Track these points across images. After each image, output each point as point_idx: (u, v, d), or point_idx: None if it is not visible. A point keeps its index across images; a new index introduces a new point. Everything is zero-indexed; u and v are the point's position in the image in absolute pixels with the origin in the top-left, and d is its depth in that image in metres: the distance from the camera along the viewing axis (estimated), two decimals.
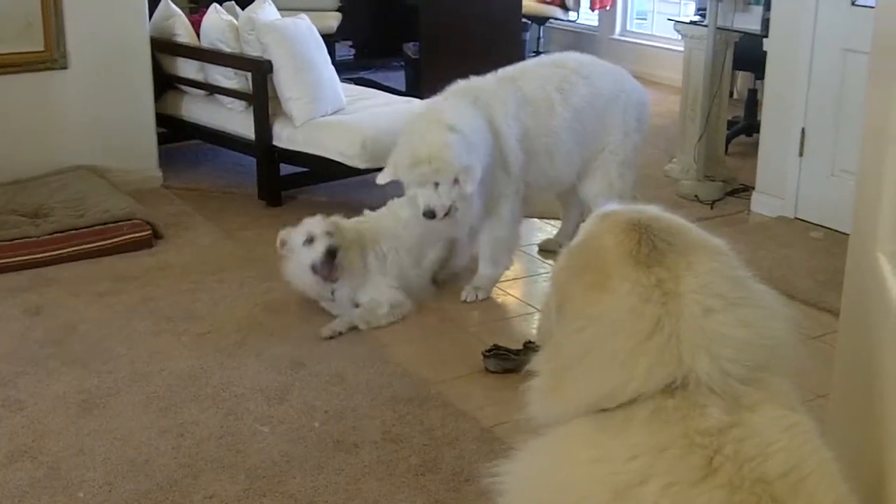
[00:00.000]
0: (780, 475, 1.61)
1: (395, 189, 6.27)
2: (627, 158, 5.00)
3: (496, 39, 8.37)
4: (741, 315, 1.77)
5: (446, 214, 4.44)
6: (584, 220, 2.63)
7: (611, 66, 5.10)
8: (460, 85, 4.72)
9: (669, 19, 7.56)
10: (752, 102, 7.47)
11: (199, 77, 6.39)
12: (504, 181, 4.65)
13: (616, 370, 1.73)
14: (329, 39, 7.73)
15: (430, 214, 4.41)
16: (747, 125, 7.43)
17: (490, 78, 4.81)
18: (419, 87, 8.05)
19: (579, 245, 1.94)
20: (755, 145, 6.35)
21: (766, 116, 6.00)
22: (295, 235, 4.38)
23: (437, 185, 4.37)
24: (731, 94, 7.49)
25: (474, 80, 4.77)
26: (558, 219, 5.56)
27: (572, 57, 5.02)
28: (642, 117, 5.08)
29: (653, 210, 1.93)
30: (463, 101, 4.61)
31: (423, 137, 4.42)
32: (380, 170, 6.01)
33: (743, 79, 8.61)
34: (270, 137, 5.91)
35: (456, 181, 4.36)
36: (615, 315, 1.76)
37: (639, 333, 1.73)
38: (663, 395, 1.71)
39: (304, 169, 6.05)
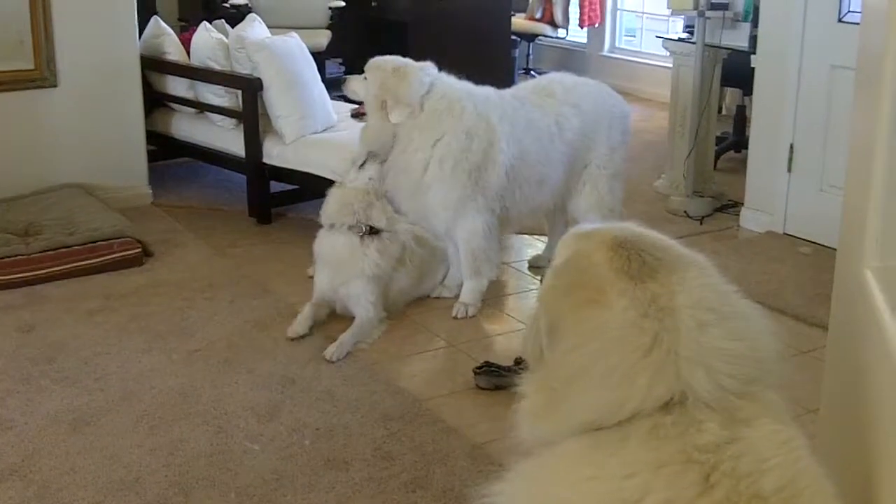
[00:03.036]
0: (776, 491, 1.61)
1: None
2: (616, 172, 5.07)
3: (486, 56, 8.41)
4: (733, 328, 1.78)
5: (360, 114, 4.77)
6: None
7: (593, 85, 5.15)
8: (486, 88, 4.88)
9: (658, 36, 7.61)
10: (741, 118, 7.51)
11: (189, 95, 6.39)
12: (469, 191, 4.67)
13: (615, 387, 1.73)
14: (319, 57, 7.73)
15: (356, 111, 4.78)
16: (736, 141, 7.46)
17: (508, 94, 4.93)
18: None
19: (566, 264, 1.93)
20: (744, 161, 6.38)
21: (755, 132, 6.02)
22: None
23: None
24: (720, 110, 7.51)
25: (498, 91, 4.91)
26: (546, 234, 5.57)
27: (557, 82, 5.05)
28: (626, 130, 5.15)
29: (632, 227, 1.94)
30: (475, 88, 4.81)
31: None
32: None
33: (731, 95, 8.64)
34: (260, 155, 5.91)
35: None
36: (613, 331, 1.76)
37: (638, 349, 1.73)
38: (661, 412, 1.71)
39: (295, 186, 6.05)
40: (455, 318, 4.68)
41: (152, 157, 6.46)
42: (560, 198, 5.05)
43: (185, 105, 6.48)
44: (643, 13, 10.68)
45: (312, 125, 5.86)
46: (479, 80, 4.90)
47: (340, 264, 4.49)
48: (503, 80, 5.26)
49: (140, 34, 6.31)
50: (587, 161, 4.99)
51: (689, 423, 1.69)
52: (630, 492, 1.64)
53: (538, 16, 10.73)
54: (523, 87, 5.16)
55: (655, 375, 1.72)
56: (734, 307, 1.83)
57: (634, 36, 10.87)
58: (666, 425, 1.69)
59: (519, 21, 10.34)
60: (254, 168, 5.95)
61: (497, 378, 3.94)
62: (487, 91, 4.82)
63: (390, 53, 4.88)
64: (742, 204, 6.10)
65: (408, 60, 4.75)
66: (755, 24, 5.91)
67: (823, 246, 5.41)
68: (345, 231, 4.49)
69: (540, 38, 10.94)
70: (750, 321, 1.84)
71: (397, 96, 4.61)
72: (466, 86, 4.77)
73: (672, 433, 1.68)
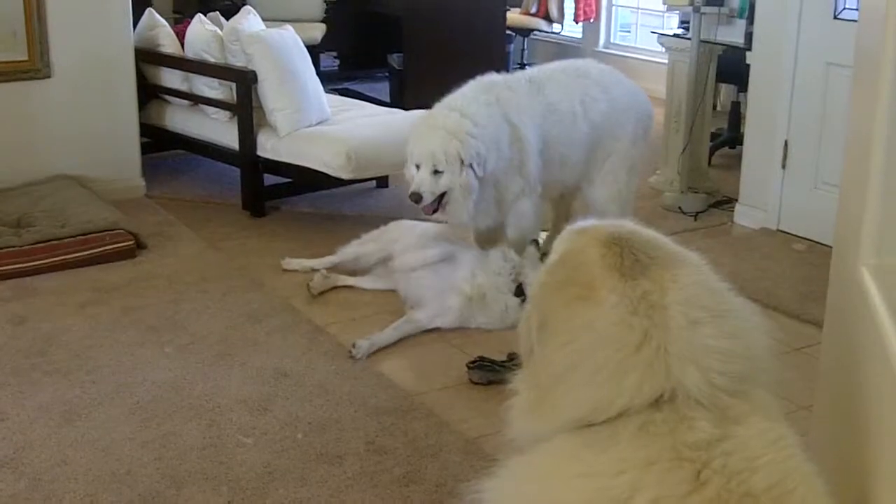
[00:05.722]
0: (766, 489, 1.61)
1: (378, 200, 6.30)
2: (635, 166, 5.16)
3: (480, 51, 8.39)
4: (726, 327, 1.77)
5: (437, 207, 4.55)
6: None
7: (626, 78, 5.25)
8: (485, 80, 4.81)
9: (653, 32, 7.59)
10: (736, 115, 7.51)
11: (183, 87, 6.37)
12: (519, 183, 4.71)
13: (604, 384, 1.73)
14: (314, 50, 7.73)
15: (415, 197, 4.53)
16: (731, 137, 7.45)
17: (520, 79, 4.92)
18: (403, 97, 8.07)
19: (559, 260, 1.94)
20: (738, 157, 6.37)
21: (750, 129, 6.02)
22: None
23: (436, 172, 4.48)
24: (715, 106, 7.50)
25: (502, 78, 4.88)
26: (544, 230, 5.57)
27: (593, 66, 5.15)
28: (648, 128, 5.24)
29: (629, 224, 1.94)
30: (484, 95, 4.69)
31: (436, 122, 4.54)
32: (364, 181, 6.06)
33: (726, 91, 8.64)
34: (254, 148, 5.90)
35: (462, 165, 4.46)
36: (602, 328, 1.76)
37: (627, 346, 1.73)
38: (651, 409, 1.71)
39: (288, 179, 6.04)
40: None
41: (146, 149, 6.44)
42: (580, 178, 5.08)
43: (179, 97, 6.46)
44: (638, 8, 10.66)
45: (306, 118, 5.85)
46: (473, 75, 4.87)
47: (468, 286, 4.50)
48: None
49: (134, 26, 6.29)
50: (611, 150, 5.02)
51: (679, 420, 1.69)
52: (620, 489, 1.64)
53: (533, 10, 10.71)
54: (551, 66, 5.17)
55: (645, 372, 1.72)
56: (727, 305, 1.83)
57: (629, 31, 10.85)
58: (656, 422, 1.69)
59: (514, 16, 10.31)
60: (248, 161, 5.94)
61: (490, 373, 3.94)
62: (495, 89, 4.73)
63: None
64: (736, 200, 6.10)
65: (443, 121, 4.57)
66: (751, 20, 5.91)
67: (817, 243, 5.41)
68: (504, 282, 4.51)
69: (535, 32, 10.91)
70: (743, 319, 1.84)
71: (479, 154, 4.51)
72: (479, 99, 4.67)
73: (662, 430, 1.68)
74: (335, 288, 4.85)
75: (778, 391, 1.86)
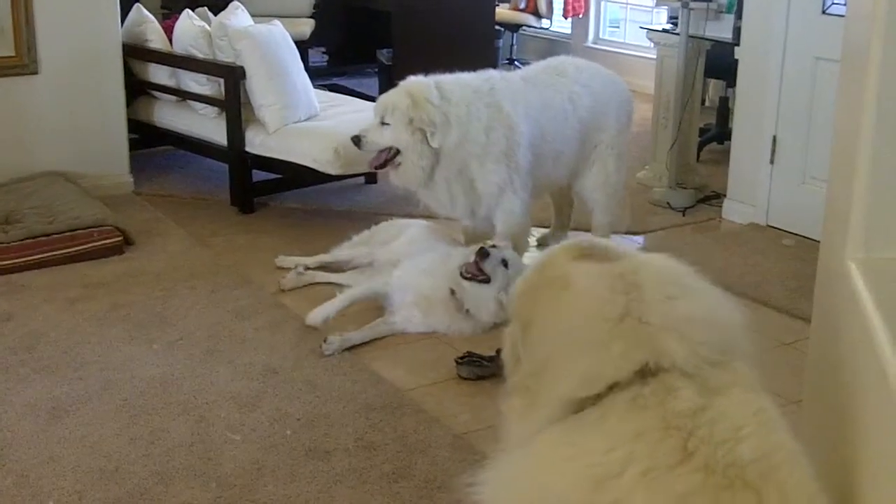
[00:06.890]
0: (752, 461, 1.66)
1: (367, 196, 6.29)
2: (622, 152, 5.20)
3: (470, 46, 8.39)
4: (698, 300, 1.88)
5: (386, 162, 4.68)
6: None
7: (602, 69, 5.30)
8: (485, 72, 4.88)
9: (642, 27, 7.60)
10: (724, 110, 7.52)
11: (171, 83, 6.35)
12: (502, 174, 4.70)
13: (591, 356, 1.80)
14: (302, 46, 7.71)
15: (354, 139, 4.73)
16: (719, 133, 7.46)
17: (515, 76, 5.00)
18: None
19: (533, 273, 2.07)
20: (727, 153, 6.38)
21: (738, 124, 6.03)
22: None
23: (384, 123, 4.64)
24: (703, 101, 7.50)
25: (499, 73, 4.95)
26: (543, 227, 5.59)
27: (569, 63, 5.20)
28: (630, 113, 5.30)
29: (588, 237, 2.07)
30: (477, 82, 4.76)
31: (405, 84, 4.72)
32: (353, 176, 6.06)
33: (714, 87, 8.64)
34: (243, 144, 5.88)
35: (411, 125, 4.55)
36: (584, 305, 1.85)
37: (610, 319, 1.81)
38: (639, 384, 1.77)
39: (277, 175, 6.03)
40: None
41: (134, 145, 6.42)
42: (571, 174, 5.14)
43: (167, 93, 6.44)
44: (627, 4, 10.68)
45: (295, 114, 5.84)
46: (462, 70, 4.88)
47: (427, 293, 4.43)
48: (486, 70, 5.24)
49: (122, 21, 6.27)
50: (597, 141, 5.09)
51: (666, 391, 1.75)
52: (610, 466, 1.68)
53: (522, 6, 10.72)
54: (534, 68, 5.22)
55: (629, 341, 1.79)
56: (698, 284, 1.95)
57: (618, 27, 10.86)
58: (645, 395, 1.75)
59: (503, 11, 10.32)
60: (236, 157, 5.93)
61: (479, 368, 3.94)
62: (492, 80, 4.80)
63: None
64: (725, 195, 6.11)
65: (411, 84, 4.69)
66: (739, 15, 5.92)
67: (806, 238, 5.42)
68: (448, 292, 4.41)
69: (524, 28, 10.92)
70: (713, 296, 1.94)
71: (432, 121, 4.54)
72: (468, 82, 4.75)
73: (651, 402, 1.74)
74: (315, 284, 4.85)
75: (767, 383, 1.90)
